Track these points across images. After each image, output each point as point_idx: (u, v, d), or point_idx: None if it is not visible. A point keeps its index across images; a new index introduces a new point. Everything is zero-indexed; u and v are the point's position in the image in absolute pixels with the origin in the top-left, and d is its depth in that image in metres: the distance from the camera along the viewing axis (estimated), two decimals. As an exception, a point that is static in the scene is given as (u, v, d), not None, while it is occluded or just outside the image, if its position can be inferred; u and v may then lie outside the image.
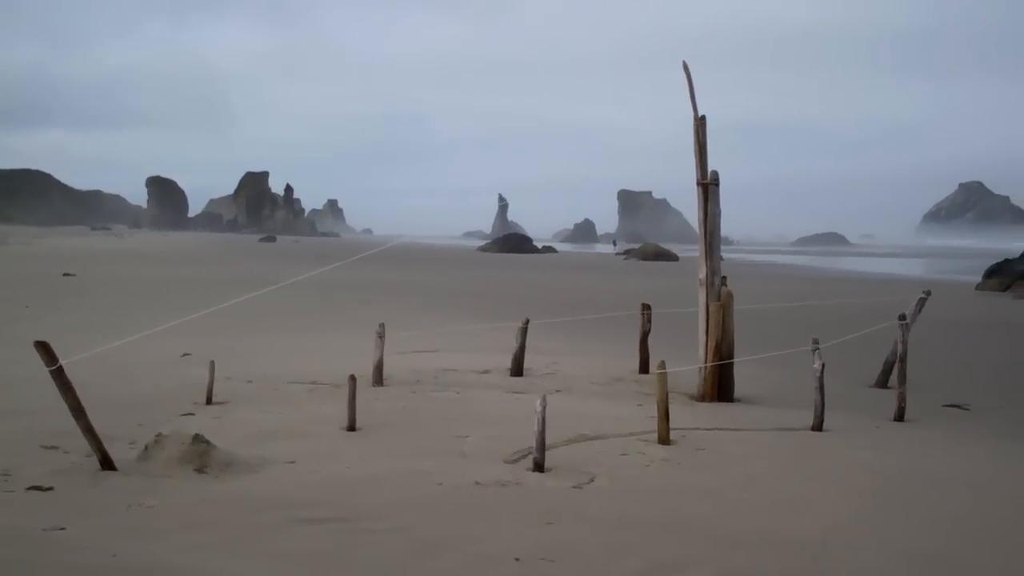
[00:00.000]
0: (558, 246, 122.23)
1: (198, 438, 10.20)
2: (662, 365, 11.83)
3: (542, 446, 10.21)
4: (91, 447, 9.92)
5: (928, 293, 19.40)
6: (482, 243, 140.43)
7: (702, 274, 15.71)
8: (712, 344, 15.48)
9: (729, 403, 15.36)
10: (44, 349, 9.52)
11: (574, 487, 9.64)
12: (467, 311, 29.20)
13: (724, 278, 15.83)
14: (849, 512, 9.11)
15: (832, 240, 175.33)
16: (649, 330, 17.83)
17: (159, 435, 10.35)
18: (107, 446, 10.34)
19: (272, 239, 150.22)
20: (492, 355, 18.37)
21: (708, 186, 15.63)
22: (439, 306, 31.69)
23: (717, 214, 15.71)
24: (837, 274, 71.71)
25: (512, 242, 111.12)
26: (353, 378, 11.89)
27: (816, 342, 13.77)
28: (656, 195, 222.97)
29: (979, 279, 56.10)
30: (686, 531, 8.35)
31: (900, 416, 14.48)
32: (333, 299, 33.07)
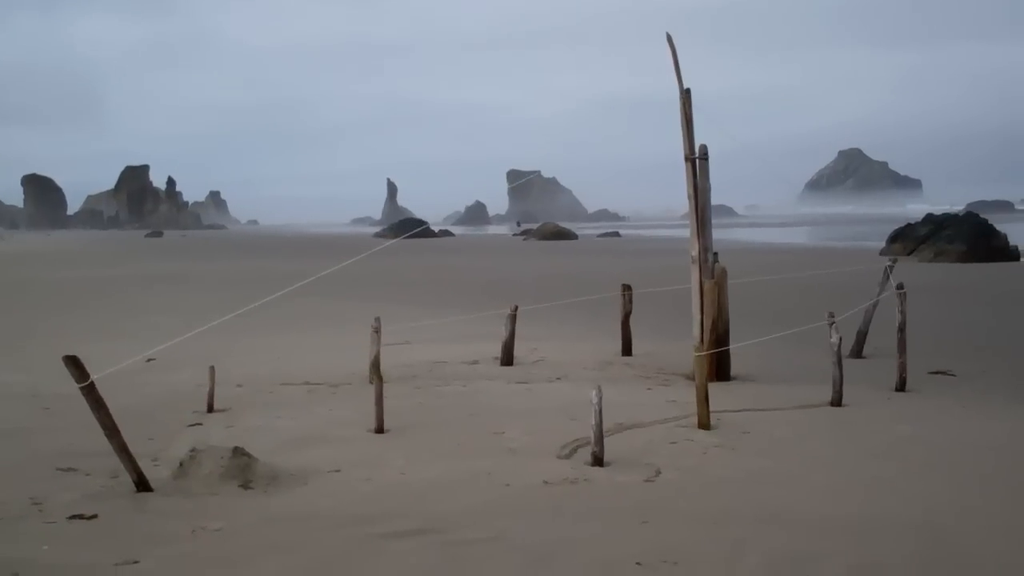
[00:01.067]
0: (453, 229, 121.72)
1: (239, 452, 9.56)
2: (699, 348, 11.49)
3: (600, 439, 9.83)
4: (125, 467, 9.23)
5: (894, 261, 19.53)
6: (374, 229, 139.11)
7: (694, 251, 15.41)
8: (708, 323, 15.21)
9: (727, 382, 15.15)
10: (75, 364, 8.80)
11: (646, 481, 9.27)
12: (412, 301, 28.56)
13: (716, 254, 15.57)
14: (935, 491, 8.92)
15: (719, 212, 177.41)
16: (630, 311, 17.53)
17: (194, 450, 9.68)
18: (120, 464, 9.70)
19: (159, 234, 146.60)
20: (471, 344, 17.93)
21: (697, 160, 15.31)
22: (380, 298, 30.94)
23: (707, 189, 15.41)
24: (742, 246, 72.35)
25: (408, 227, 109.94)
26: (380, 378, 11.30)
27: (832, 316, 13.61)
28: (546, 174, 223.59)
29: (881, 244, 57.39)
30: (788, 522, 8.04)
31: (902, 386, 14.47)
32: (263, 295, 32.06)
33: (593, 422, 9.81)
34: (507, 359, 16.14)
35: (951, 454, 10.19)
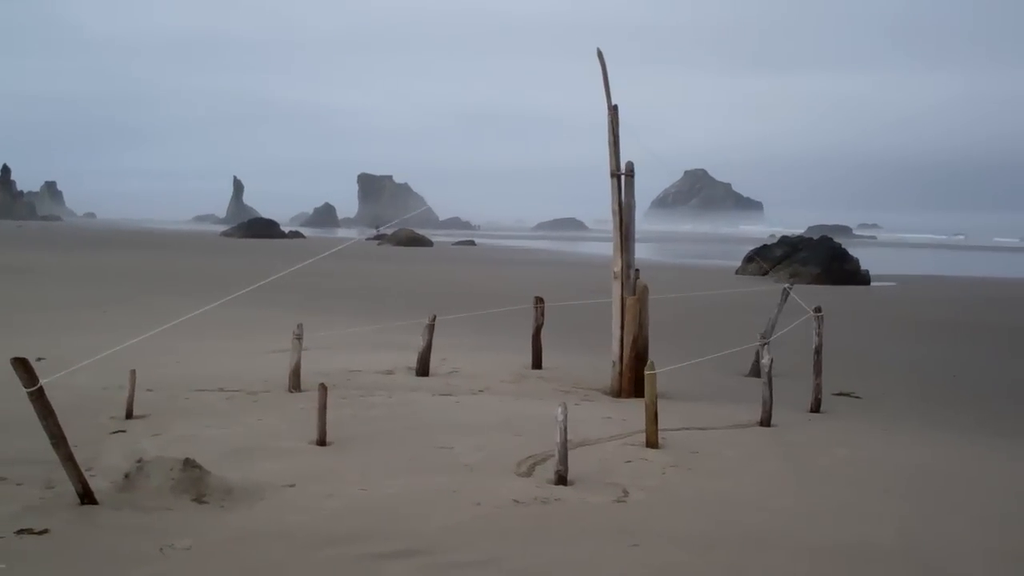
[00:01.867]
0: (302, 231, 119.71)
1: (190, 463, 9.03)
2: (651, 366, 11.41)
3: (565, 458, 9.66)
4: (70, 478, 8.61)
5: (791, 285, 19.89)
6: (217, 228, 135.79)
7: (616, 267, 15.40)
8: (629, 339, 15.20)
9: (640, 398, 15.08)
10: (23, 367, 8.16)
11: (616, 501, 9.13)
12: (297, 306, 27.80)
13: (637, 271, 15.57)
14: (902, 515, 9.03)
15: (571, 225, 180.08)
16: (542, 324, 17.39)
17: (140, 461, 9.11)
18: (54, 473, 9.10)
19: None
20: (376, 354, 17.54)
21: (622, 177, 15.29)
22: (261, 303, 29.97)
23: (632, 206, 15.40)
24: (592, 259, 72.95)
25: (258, 227, 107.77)
26: (324, 387, 10.87)
27: (764, 336, 13.73)
28: (397, 179, 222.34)
29: (731, 263, 58.92)
30: (777, 547, 8.01)
31: (816, 407, 14.66)
32: (130, 291, 30.93)
33: (557, 440, 9.63)
34: (423, 370, 15.80)
35: (899, 479, 10.36)
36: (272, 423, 11.82)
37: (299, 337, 13.98)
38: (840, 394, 16.48)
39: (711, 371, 17.85)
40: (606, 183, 15.32)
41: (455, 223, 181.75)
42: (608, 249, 14.74)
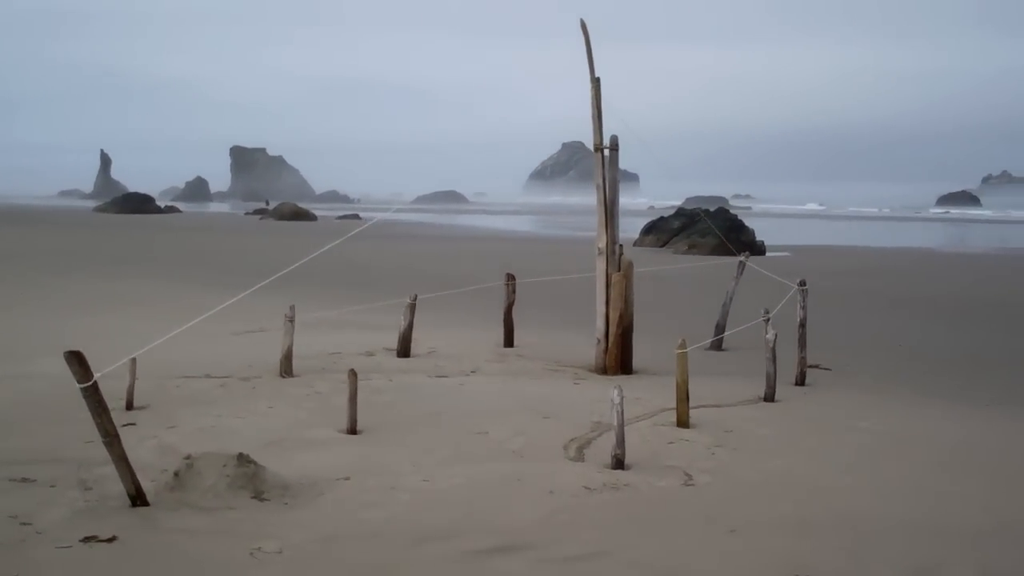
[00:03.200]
0: (175, 205, 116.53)
1: (244, 459, 8.50)
2: (682, 345, 11.18)
3: (622, 440, 9.39)
4: (123, 479, 8.02)
5: (747, 255, 19.96)
6: (85, 203, 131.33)
7: (601, 243, 15.17)
8: (616, 315, 15.00)
9: (630, 375, 14.95)
10: (78, 361, 7.55)
11: (684, 485, 8.93)
12: (237, 285, 26.88)
13: (621, 246, 15.36)
14: (972, 491, 9.01)
15: (451, 198, 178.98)
16: (513, 301, 17.07)
17: (189, 457, 8.51)
18: (85, 473, 8.55)
19: None
20: (349, 334, 17.00)
21: (607, 151, 15.05)
22: (174, 278, 29.01)
23: (616, 180, 15.16)
24: (476, 231, 72.69)
25: (133, 202, 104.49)
26: (354, 374, 10.40)
27: (767, 312, 13.65)
28: (271, 152, 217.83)
29: (630, 235, 59.29)
30: (879, 527, 7.91)
31: (801, 380, 14.66)
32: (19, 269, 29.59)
33: (615, 423, 9.36)
34: (404, 350, 15.34)
35: (943, 452, 10.38)
36: (286, 411, 11.28)
37: (291, 320, 13.39)
38: (812, 366, 16.54)
39: (673, 343, 17.76)
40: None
41: (333, 196, 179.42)
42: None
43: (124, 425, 10.53)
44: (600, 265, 15.18)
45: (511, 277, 17.24)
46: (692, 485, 8.89)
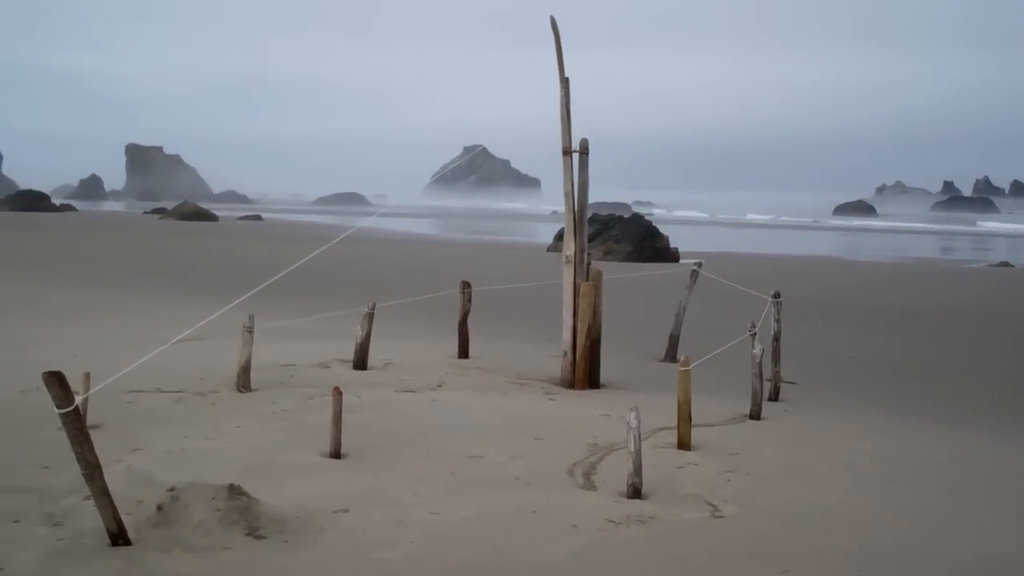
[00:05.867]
0: (74, 204, 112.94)
1: (235, 490, 7.63)
2: (686, 362, 10.56)
3: (640, 469, 8.72)
4: (102, 515, 7.12)
5: (700, 264, 19.48)
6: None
7: (570, 251, 14.51)
8: (584, 327, 14.35)
9: (598, 390, 14.33)
10: (59, 383, 6.62)
11: (713, 517, 8.30)
12: (172, 290, 25.62)
13: (589, 254, 14.73)
14: (1002, 521, 8.53)
15: (352, 200, 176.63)
16: (469, 310, 16.31)
17: (173, 488, 7.61)
18: (50, 505, 7.62)
19: None
20: (296, 344, 16.01)
21: (576, 154, 14.40)
22: (91, 281, 27.55)
23: (586, 184, 14.52)
24: (387, 235, 71.31)
25: (27, 199, 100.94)
26: (339, 392, 9.55)
27: (753, 326, 13.11)
28: (168, 151, 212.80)
29: (531, 240, 58.88)
30: (929, 564, 7.34)
31: (775, 396, 14.20)
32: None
33: (631, 448, 8.70)
34: (361, 362, 14.47)
35: (954, 479, 9.93)
36: (257, 432, 10.39)
37: (250, 330, 12.45)
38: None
39: (626, 356, 17.26)
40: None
41: (231, 196, 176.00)
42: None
43: (81, 448, 9.55)
44: (568, 274, 14.51)
45: (467, 285, 16.47)
46: (721, 517, 8.27)
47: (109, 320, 18.96)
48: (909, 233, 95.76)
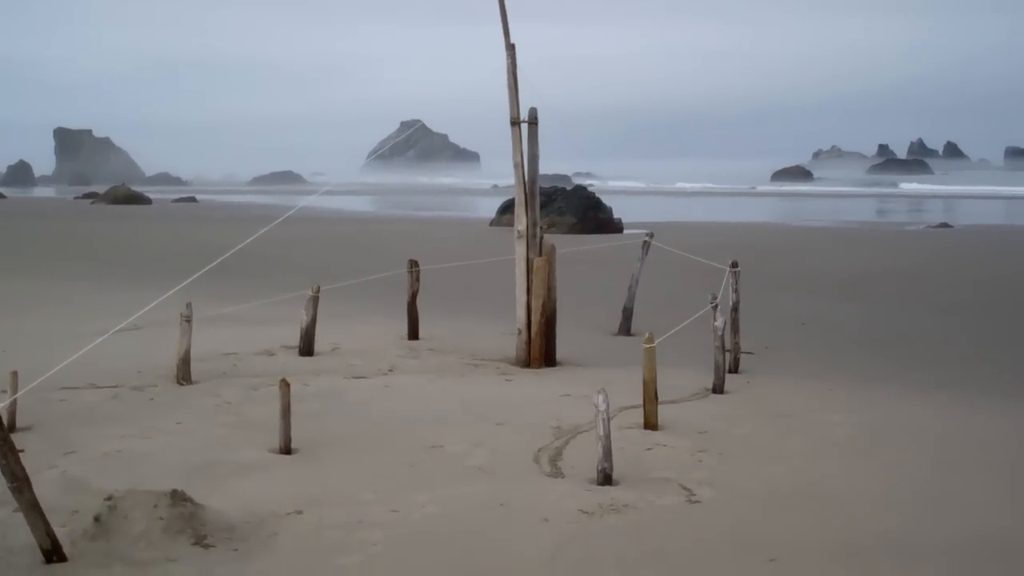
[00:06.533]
0: (2, 191, 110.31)
1: (178, 496, 7.05)
2: (650, 339, 10.09)
3: (610, 453, 8.26)
4: (33, 531, 6.53)
5: (651, 235, 19.08)
6: None
7: (521, 226, 14.03)
8: (538, 304, 13.86)
9: (555, 368, 13.87)
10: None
11: (689, 502, 7.86)
12: (91, 275, 24.67)
13: (542, 228, 14.22)
14: (993, 497, 8.19)
15: (288, 179, 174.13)
16: (417, 290, 15.75)
17: (111, 497, 7.00)
18: None
19: None
20: (234, 330, 15.33)
21: (524, 124, 13.87)
22: (19, 270, 26.53)
23: (536, 156, 14.00)
24: (324, 214, 70.27)
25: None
26: (286, 384, 8.97)
27: (715, 298, 12.68)
28: (97, 133, 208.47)
29: (475, 215, 58.25)
30: (925, 549, 7.01)
31: (735, 367, 13.81)
32: None
33: (600, 432, 8.23)
34: (307, 348, 13.86)
35: (939, 448, 9.59)
36: (199, 427, 9.78)
37: (188, 319, 11.79)
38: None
39: (578, 331, 16.76)
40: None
41: (164, 179, 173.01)
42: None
43: (10, 453, 8.89)
44: (520, 249, 14.01)
45: (414, 264, 15.90)
46: (698, 502, 7.84)
47: (39, 311, 18.13)
48: (847, 197, 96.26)
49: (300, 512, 7.43)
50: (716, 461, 8.90)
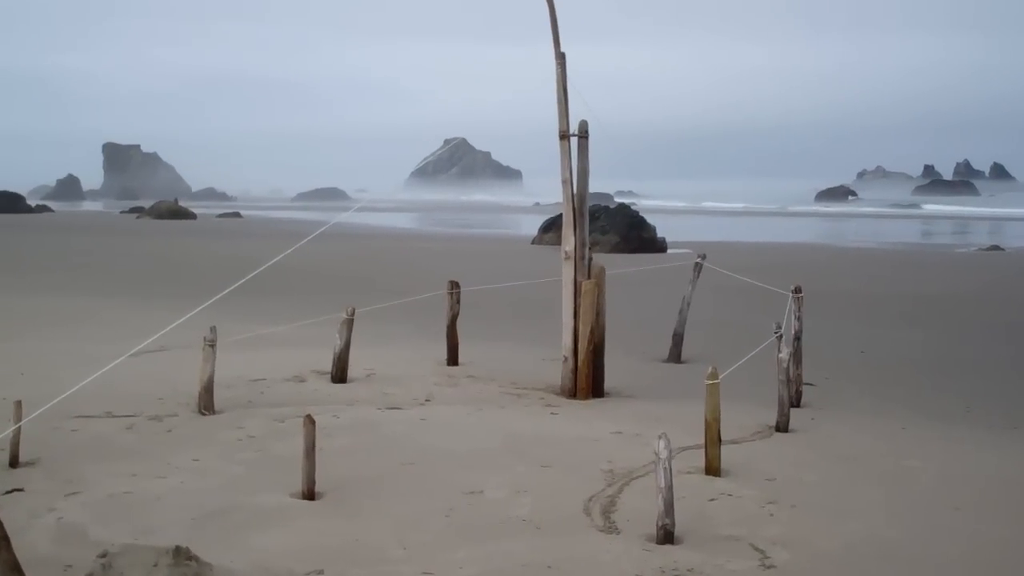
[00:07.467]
0: (51, 204, 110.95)
1: (182, 554, 6.20)
2: (714, 374, 9.14)
3: (671, 508, 7.32)
4: (14, 595, 5.64)
5: (703, 256, 18.15)
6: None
7: (569, 246, 13.14)
8: (586, 329, 12.96)
9: (603, 399, 12.95)
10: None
11: (763, 567, 6.90)
12: (134, 293, 24.07)
13: (591, 249, 13.34)
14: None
15: (332, 195, 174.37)
16: (458, 313, 14.89)
17: (105, 554, 6.17)
18: None
19: None
20: (266, 353, 14.55)
21: (574, 138, 13.00)
22: (54, 287, 25.98)
23: (586, 172, 13.12)
24: (371, 231, 69.64)
25: (6, 201, 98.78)
26: (311, 420, 8.12)
27: (779, 327, 11.71)
28: (146, 149, 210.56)
29: (519, 232, 57.43)
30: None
31: (797, 401, 12.82)
32: None
33: (661, 484, 7.30)
34: (340, 375, 13.04)
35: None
36: (218, 465, 8.95)
37: (212, 344, 10.98)
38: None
39: (626, 357, 15.81)
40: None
41: (210, 194, 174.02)
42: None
43: (9, 492, 8.12)
44: (567, 271, 13.12)
45: (455, 284, 15.04)
46: (773, 567, 6.88)
47: (66, 330, 17.44)
48: (893, 218, 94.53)
49: (321, 572, 6.56)
50: (788, 515, 7.94)
